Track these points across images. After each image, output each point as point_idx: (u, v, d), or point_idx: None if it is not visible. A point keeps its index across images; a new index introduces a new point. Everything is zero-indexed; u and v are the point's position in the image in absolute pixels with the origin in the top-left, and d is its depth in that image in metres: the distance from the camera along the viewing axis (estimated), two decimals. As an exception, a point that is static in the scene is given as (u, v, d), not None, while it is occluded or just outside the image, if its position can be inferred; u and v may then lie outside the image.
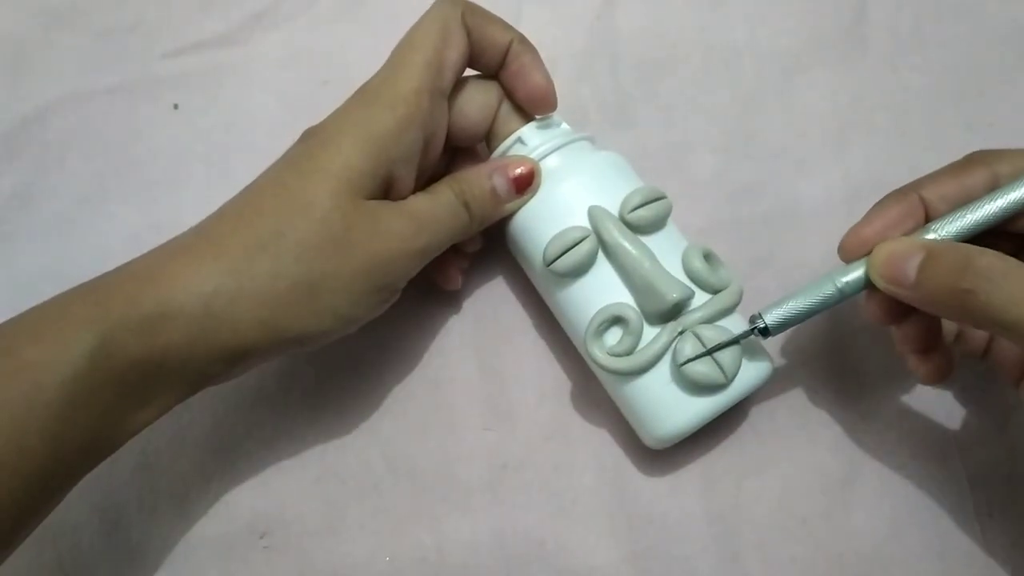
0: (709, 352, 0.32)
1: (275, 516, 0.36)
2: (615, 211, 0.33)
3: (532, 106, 0.35)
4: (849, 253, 0.31)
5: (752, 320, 0.32)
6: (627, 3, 0.44)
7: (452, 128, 0.34)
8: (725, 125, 0.41)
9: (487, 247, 0.38)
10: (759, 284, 0.38)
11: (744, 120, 0.41)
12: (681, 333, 0.32)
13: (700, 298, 0.33)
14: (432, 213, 0.32)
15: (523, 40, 0.35)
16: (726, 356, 0.32)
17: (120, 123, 0.43)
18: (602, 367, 0.33)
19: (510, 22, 0.44)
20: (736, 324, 0.33)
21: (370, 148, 0.31)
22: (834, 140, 0.41)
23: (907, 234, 0.30)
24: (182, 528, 0.36)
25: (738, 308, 0.34)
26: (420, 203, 0.32)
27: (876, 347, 0.37)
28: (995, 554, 0.34)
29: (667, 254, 0.33)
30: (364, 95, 0.32)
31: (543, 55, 0.43)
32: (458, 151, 0.37)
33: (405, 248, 0.31)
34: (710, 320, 0.32)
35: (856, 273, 0.30)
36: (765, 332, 0.31)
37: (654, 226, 0.34)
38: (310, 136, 0.32)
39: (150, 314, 0.28)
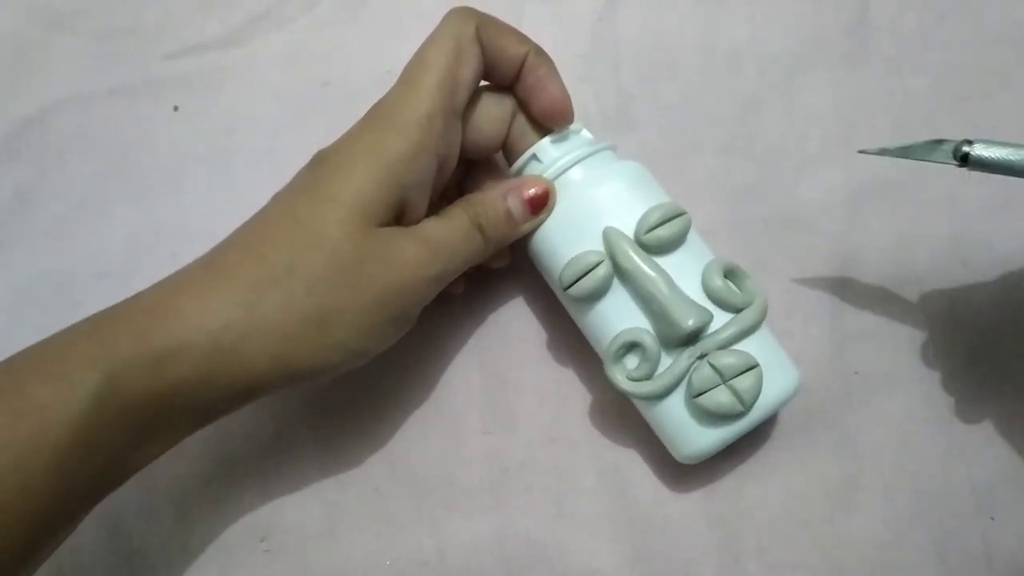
0: (725, 382, 0.31)
1: (275, 519, 0.36)
2: (633, 229, 0.33)
3: (548, 120, 0.34)
4: None
5: (962, 144, 0.30)
6: (629, 4, 0.44)
7: (466, 142, 0.34)
8: (726, 127, 0.41)
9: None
10: (761, 285, 0.38)
11: (745, 122, 0.41)
12: (700, 358, 0.31)
13: (723, 317, 0.32)
14: (446, 238, 0.32)
15: (539, 52, 0.34)
16: (745, 382, 0.31)
17: (120, 125, 0.43)
18: (622, 391, 0.32)
19: (512, 23, 0.44)
20: (757, 344, 0.32)
21: (382, 175, 0.30)
22: (836, 142, 0.41)
23: None
24: (182, 531, 0.36)
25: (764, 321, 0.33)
26: (434, 228, 0.32)
27: (878, 350, 0.37)
28: (997, 558, 0.34)
29: (687, 273, 0.32)
30: (375, 118, 0.32)
31: (544, 57, 0.43)
32: (473, 162, 0.36)
33: (419, 276, 0.31)
34: (730, 343, 0.32)
35: None
36: (965, 159, 0.29)
37: (673, 245, 0.33)
38: (320, 162, 0.31)
39: (158, 351, 0.27)
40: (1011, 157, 0.29)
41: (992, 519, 0.34)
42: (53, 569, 0.35)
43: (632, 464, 0.36)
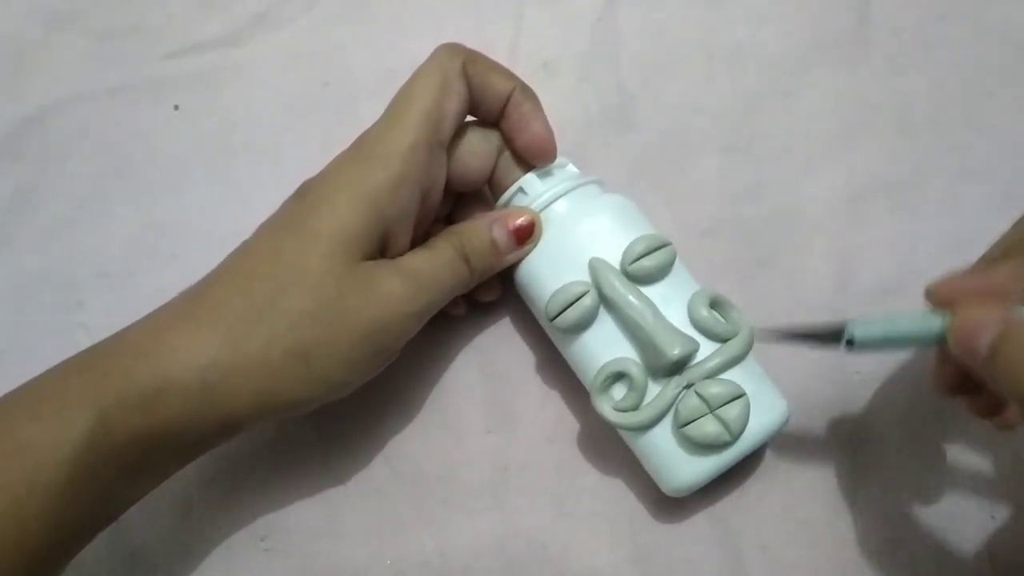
0: (712, 411, 0.31)
1: (276, 519, 0.36)
2: (618, 260, 0.33)
3: (531, 156, 0.34)
4: (938, 302, 0.27)
5: (845, 328, 0.28)
6: (629, 4, 0.44)
7: (452, 176, 0.34)
8: (727, 126, 0.41)
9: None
10: (762, 285, 0.38)
11: (747, 121, 0.41)
12: (687, 387, 0.31)
13: (708, 347, 0.32)
14: (431, 271, 0.32)
15: (524, 89, 0.34)
16: (731, 411, 0.31)
17: (121, 124, 0.43)
18: (608, 422, 0.32)
19: (512, 23, 0.45)
20: (744, 374, 0.32)
21: (365, 207, 0.30)
22: (837, 141, 0.40)
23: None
24: (183, 530, 0.36)
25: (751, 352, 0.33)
26: (419, 261, 0.32)
27: (879, 351, 0.37)
28: (999, 557, 0.34)
29: (672, 303, 0.32)
30: (360, 149, 0.32)
31: (545, 56, 0.43)
32: (462, 195, 0.36)
33: (403, 311, 0.31)
34: (716, 373, 0.32)
35: None
36: (851, 344, 0.27)
37: (658, 275, 0.33)
38: (305, 193, 0.32)
39: (147, 389, 0.28)
40: (894, 334, 0.27)
41: (992, 518, 0.34)
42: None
43: (633, 463, 0.36)
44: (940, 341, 0.26)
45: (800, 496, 0.35)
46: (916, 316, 0.27)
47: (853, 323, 0.27)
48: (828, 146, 0.41)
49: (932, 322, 0.27)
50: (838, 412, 0.36)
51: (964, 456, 0.35)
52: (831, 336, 0.28)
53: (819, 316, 0.37)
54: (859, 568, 0.34)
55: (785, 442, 0.36)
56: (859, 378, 0.37)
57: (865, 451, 0.36)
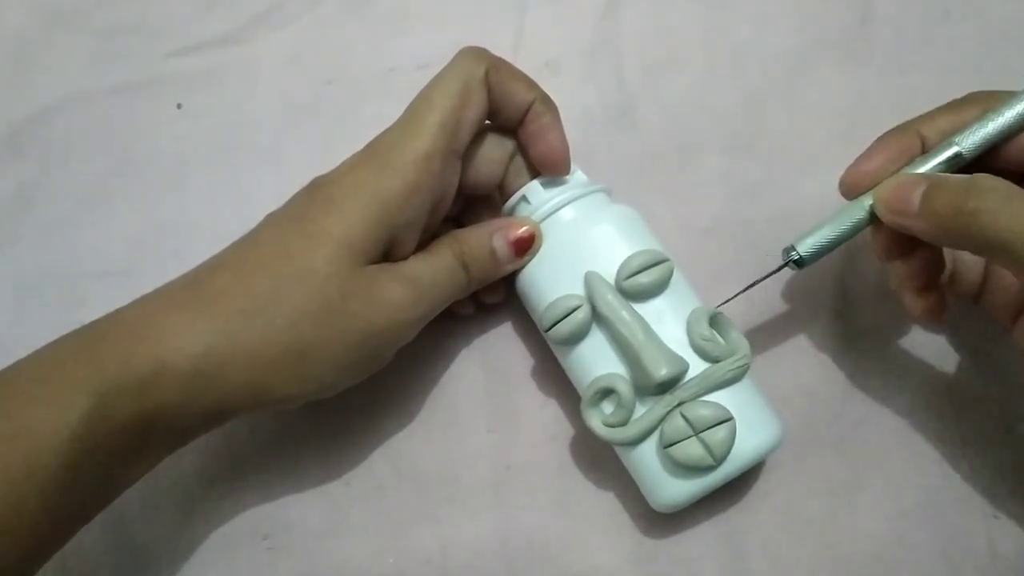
0: (696, 434, 0.31)
1: (278, 517, 0.36)
2: (614, 275, 0.32)
3: (544, 168, 0.34)
4: (851, 188, 0.31)
5: (786, 252, 0.31)
6: (632, 3, 0.44)
7: (465, 181, 0.34)
8: (730, 125, 0.41)
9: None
10: (762, 284, 0.38)
11: (749, 120, 0.41)
12: (677, 407, 0.31)
13: (702, 367, 0.32)
14: (431, 278, 0.32)
15: (545, 99, 0.34)
16: (716, 435, 0.31)
17: (124, 123, 0.44)
18: (597, 436, 0.32)
19: (515, 22, 0.45)
20: (736, 397, 0.32)
21: (375, 213, 0.30)
22: (839, 140, 0.40)
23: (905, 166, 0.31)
24: (185, 529, 0.36)
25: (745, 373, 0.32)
26: (420, 268, 0.32)
27: (879, 347, 0.37)
28: (1002, 556, 0.34)
29: (668, 321, 0.32)
30: (375, 154, 0.32)
31: (547, 55, 0.43)
32: (473, 197, 0.36)
33: (402, 317, 0.31)
34: (704, 394, 0.31)
35: None
36: (800, 263, 0.31)
37: (654, 291, 0.33)
38: (316, 190, 0.31)
39: (143, 374, 0.28)
40: (831, 236, 0.31)
41: (996, 517, 0.34)
42: (57, 566, 0.35)
43: (635, 462, 0.36)
44: (872, 220, 0.30)
45: (801, 495, 0.35)
46: (844, 212, 0.31)
47: (795, 245, 0.31)
48: (830, 145, 0.40)
49: (858, 209, 0.31)
50: (838, 412, 0.36)
51: (969, 454, 0.35)
52: (780, 266, 0.32)
53: (820, 316, 0.38)
54: (860, 568, 0.34)
55: (786, 442, 0.36)
56: (861, 376, 0.37)
57: (867, 449, 0.36)
